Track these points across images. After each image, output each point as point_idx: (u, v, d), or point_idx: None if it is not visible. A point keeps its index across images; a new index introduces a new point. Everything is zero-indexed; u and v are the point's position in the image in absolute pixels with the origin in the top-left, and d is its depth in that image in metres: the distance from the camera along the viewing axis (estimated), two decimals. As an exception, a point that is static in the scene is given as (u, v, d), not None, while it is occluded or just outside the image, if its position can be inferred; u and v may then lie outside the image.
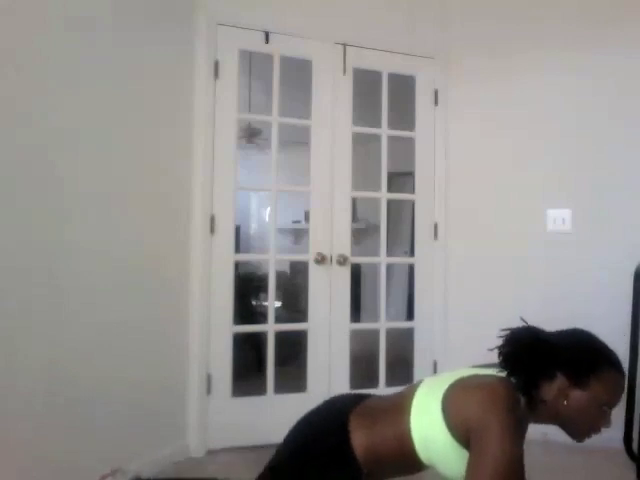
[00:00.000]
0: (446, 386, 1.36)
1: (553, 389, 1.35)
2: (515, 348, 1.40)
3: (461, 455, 1.29)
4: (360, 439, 1.40)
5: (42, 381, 1.86)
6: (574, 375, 1.34)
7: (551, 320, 2.93)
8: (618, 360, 1.38)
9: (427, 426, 1.34)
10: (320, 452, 1.42)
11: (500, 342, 1.42)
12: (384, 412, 1.44)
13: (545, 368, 1.37)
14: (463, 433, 1.27)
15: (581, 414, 1.33)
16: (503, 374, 1.38)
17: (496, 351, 1.41)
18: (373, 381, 2.95)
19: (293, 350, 3.11)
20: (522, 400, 1.32)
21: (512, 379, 1.36)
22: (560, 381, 1.35)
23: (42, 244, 1.86)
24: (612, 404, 1.32)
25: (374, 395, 1.59)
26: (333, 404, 1.59)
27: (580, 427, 1.34)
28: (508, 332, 1.45)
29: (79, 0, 2.02)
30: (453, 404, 1.32)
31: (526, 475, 1.24)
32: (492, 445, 1.19)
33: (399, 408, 1.41)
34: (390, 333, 3.02)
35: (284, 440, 1.53)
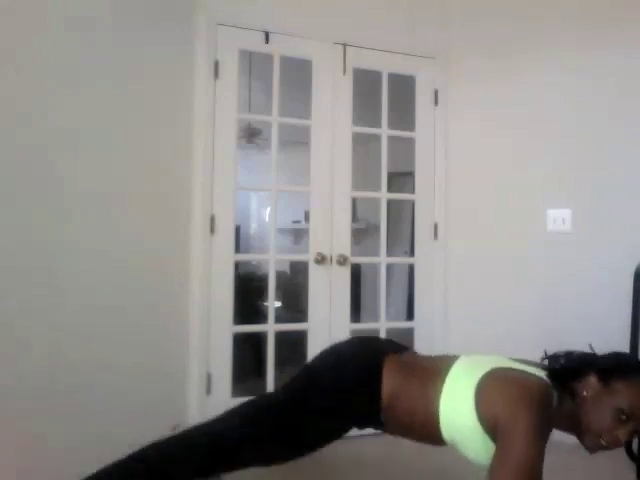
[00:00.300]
0: (481, 373, 1.36)
1: (582, 385, 1.35)
2: (566, 360, 1.42)
3: (484, 442, 1.30)
4: (389, 387, 1.41)
5: (42, 383, 1.86)
6: (604, 375, 1.34)
7: (551, 320, 2.95)
8: None
9: (456, 408, 1.34)
10: (352, 379, 1.44)
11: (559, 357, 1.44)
12: (418, 374, 1.45)
13: (581, 370, 1.38)
14: (492, 424, 1.27)
15: (597, 411, 1.30)
16: (541, 373, 1.37)
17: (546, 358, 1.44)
18: (373, 381, 2.94)
19: (293, 350, 3.11)
20: (555, 402, 1.32)
21: (549, 380, 1.36)
22: (590, 379, 1.35)
23: (42, 244, 1.86)
24: (631, 414, 1.27)
25: (410, 349, 1.62)
26: (375, 342, 1.64)
27: (593, 427, 1.30)
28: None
29: (79, 0, 2.02)
30: (487, 395, 1.31)
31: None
32: (521, 444, 1.20)
33: (433, 376, 1.41)
34: (390, 333, 3.01)
35: (322, 355, 1.59)
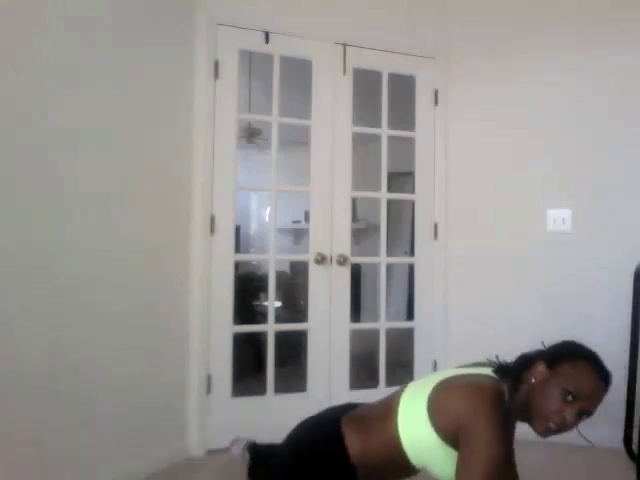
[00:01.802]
0: (430, 388, 1.38)
1: (530, 374, 1.38)
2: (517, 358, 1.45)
3: (450, 455, 1.30)
4: (354, 446, 1.41)
5: (42, 383, 1.86)
6: (551, 361, 1.37)
7: (551, 320, 2.95)
8: (599, 363, 1.37)
9: (414, 430, 1.35)
10: (317, 458, 1.44)
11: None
12: (373, 419, 1.46)
13: (529, 362, 1.41)
14: (451, 433, 1.28)
15: (545, 394, 1.32)
16: (489, 371, 1.39)
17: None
18: (373, 381, 2.95)
19: (293, 350, 3.11)
20: (506, 396, 1.33)
21: (498, 376, 1.38)
22: (538, 366, 1.38)
23: (42, 244, 1.86)
24: (577, 394, 1.30)
25: (364, 403, 1.60)
26: (327, 412, 1.60)
27: (542, 410, 1.32)
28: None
29: (79, 0, 2.02)
30: (439, 405, 1.33)
31: (519, 472, 1.24)
32: (481, 443, 1.21)
33: (386, 414, 1.43)
34: (390, 333, 3.02)
35: (282, 445, 1.55)
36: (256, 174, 4.62)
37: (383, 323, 3.00)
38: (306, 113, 2.84)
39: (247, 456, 1.58)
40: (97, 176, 2.09)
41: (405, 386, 1.50)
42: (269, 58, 2.78)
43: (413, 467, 1.40)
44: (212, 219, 2.63)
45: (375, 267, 3.32)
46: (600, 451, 2.49)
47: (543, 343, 1.48)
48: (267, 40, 2.74)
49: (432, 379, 1.42)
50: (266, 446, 1.62)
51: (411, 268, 3.23)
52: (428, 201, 3.04)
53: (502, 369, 1.41)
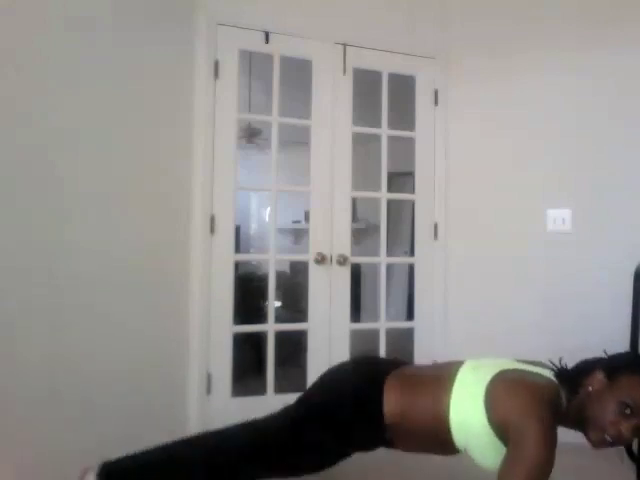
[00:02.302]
0: (489, 377, 1.36)
1: (588, 381, 1.36)
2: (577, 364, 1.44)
3: (496, 445, 1.30)
4: (392, 404, 1.40)
5: (42, 383, 1.86)
6: (611, 371, 1.35)
7: (551, 320, 2.95)
8: None
9: (467, 413, 1.34)
10: (351, 405, 1.43)
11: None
12: (423, 384, 1.44)
13: (589, 367, 1.39)
14: (503, 426, 1.27)
15: (602, 405, 1.30)
16: (548, 373, 1.38)
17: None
18: (373, 381, 2.94)
19: (293, 350, 3.11)
20: (564, 401, 1.33)
21: (557, 379, 1.37)
22: (597, 374, 1.36)
23: (42, 244, 1.86)
24: (636, 409, 1.27)
25: (411, 364, 1.60)
26: (374, 365, 1.60)
27: (598, 421, 1.30)
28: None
29: (79, 0, 2.02)
30: (497, 398, 1.31)
31: None
32: (532, 445, 1.20)
33: (439, 385, 1.41)
34: (390, 333, 3.02)
35: (320, 380, 1.57)
36: (256, 174, 4.62)
37: (383, 323, 3.00)
38: (306, 113, 2.84)
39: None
40: (97, 176, 2.08)
41: (462, 362, 1.48)
42: (269, 58, 2.78)
43: (454, 448, 1.39)
44: (212, 219, 2.63)
45: (375, 267, 3.33)
46: (600, 451, 2.50)
47: (605, 352, 1.46)
48: (267, 40, 2.74)
49: (492, 365, 1.41)
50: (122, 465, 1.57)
51: (411, 268, 3.24)
52: (428, 201, 3.04)
53: (562, 373, 1.40)
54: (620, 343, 2.42)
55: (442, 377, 1.43)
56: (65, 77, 1.95)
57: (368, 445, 1.49)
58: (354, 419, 1.42)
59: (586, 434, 1.34)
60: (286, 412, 1.53)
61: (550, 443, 1.21)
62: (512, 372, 1.38)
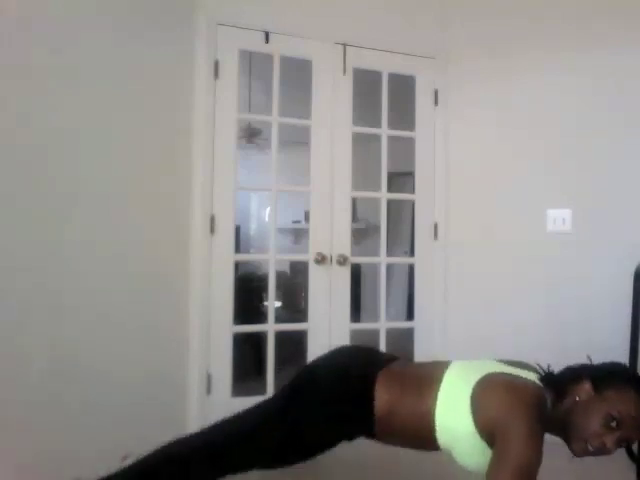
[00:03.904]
0: (476, 379, 1.36)
1: (575, 390, 1.36)
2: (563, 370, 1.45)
3: (480, 448, 1.30)
4: (382, 399, 1.41)
5: (42, 383, 1.86)
6: (598, 382, 1.35)
7: (551, 320, 2.95)
8: None
9: (453, 416, 1.34)
10: (343, 397, 1.44)
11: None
12: (411, 383, 1.45)
13: (576, 376, 1.39)
14: (489, 429, 1.28)
15: (588, 416, 1.30)
16: (534, 377, 1.38)
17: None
18: (373, 381, 2.94)
19: (293, 350, 3.11)
20: (549, 407, 1.33)
21: (542, 384, 1.37)
22: (584, 384, 1.36)
23: (42, 244, 1.86)
24: (621, 422, 1.28)
25: (402, 359, 1.60)
26: (371, 355, 1.61)
27: (582, 432, 1.31)
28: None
29: (79, 0, 2.02)
30: (483, 400, 1.32)
31: None
32: (518, 447, 1.21)
33: (426, 385, 1.42)
34: (390, 333, 3.02)
35: (313, 367, 1.60)
36: (256, 174, 4.62)
37: (383, 323, 3.00)
38: (306, 113, 2.84)
39: None
40: (97, 176, 2.09)
41: (449, 363, 1.49)
42: (269, 58, 2.78)
43: (435, 445, 1.39)
44: (212, 219, 2.63)
45: (375, 267, 3.33)
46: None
47: (589, 357, 1.46)
48: (267, 40, 2.74)
49: (478, 368, 1.41)
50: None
51: (411, 268, 3.23)
52: (428, 201, 3.04)
53: (548, 378, 1.40)
54: (620, 343, 2.43)
55: (429, 378, 1.44)
56: (65, 77, 1.95)
57: (354, 435, 1.50)
58: (347, 410, 1.43)
59: (568, 442, 1.35)
60: (288, 388, 1.55)
61: (536, 444, 1.22)
62: (498, 375, 1.38)
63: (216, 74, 2.65)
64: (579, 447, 1.32)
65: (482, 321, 2.93)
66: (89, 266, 2.04)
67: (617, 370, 1.41)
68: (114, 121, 2.16)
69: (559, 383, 1.39)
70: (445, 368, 1.45)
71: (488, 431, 1.28)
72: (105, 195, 2.12)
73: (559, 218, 2.82)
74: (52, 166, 1.91)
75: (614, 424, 1.28)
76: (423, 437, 1.39)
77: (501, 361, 1.48)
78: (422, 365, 1.57)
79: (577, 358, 1.50)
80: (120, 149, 2.19)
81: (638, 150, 2.72)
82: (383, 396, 1.41)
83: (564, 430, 1.34)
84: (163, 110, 2.42)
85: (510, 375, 1.38)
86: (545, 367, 1.44)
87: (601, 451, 1.30)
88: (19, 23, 1.78)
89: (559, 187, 2.85)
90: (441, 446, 1.38)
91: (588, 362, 1.46)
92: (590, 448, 1.30)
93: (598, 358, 1.49)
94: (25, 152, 1.80)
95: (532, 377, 1.40)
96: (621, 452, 2.45)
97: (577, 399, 1.34)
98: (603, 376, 1.37)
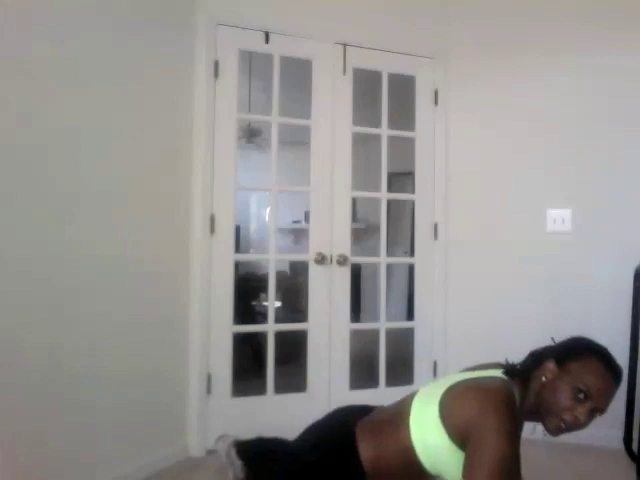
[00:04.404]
0: (441, 392, 1.38)
1: (540, 372, 1.39)
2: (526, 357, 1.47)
3: (462, 459, 1.29)
4: (367, 452, 1.42)
5: (42, 383, 1.86)
6: (561, 359, 1.37)
7: (551, 320, 2.95)
8: (610, 359, 1.38)
9: (427, 435, 1.35)
10: (328, 464, 1.44)
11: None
12: (386, 425, 1.46)
13: (539, 359, 1.42)
14: (463, 435, 1.28)
15: (556, 393, 1.33)
16: (498, 373, 1.39)
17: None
18: (373, 381, 2.95)
19: (293, 350, 3.11)
20: (517, 397, 1.34)
21: (508, 378, 1.38)
22: (548, 364, 1.38)
23: (42, 244, 1.86)
24: (589, 393, 1.30)
25: (378, 407, 1.60)
26: (340, 416, 1.61)
27: (553, 409, 1.33)
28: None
29: (79, 0, 2.02)
30: (450, 408, 1.33)
31: (522, 473, 1.24)
32: (490, 443, 1.20)
33: (398, 421, 1.43)
34: (390, 333, 3.02)
35: (292, 446, 1.56)
36: (256, 174, 4.58)
37: (383, 323, 3.00)
38: (306, 113, 2.84)
39: (233, 453, 1.58)
40: (97, 176, 2.09)
41: (415, 392, 1.51)
42: (269, 58, 2.77)
43: (427, 474, 1.39)
44: (212, 219, 2.63)
45: (375, 267, 3.32)
46: (600, 451, 2.50)
47: (553, 339, 1.49)
48: (267, 40, 2.74)
49: (442, 384, 1.42)
50: (256, 443, 1.61)
51: (411, 268, 3.23)
52: (428, 201, 3.04)
53: (512, 370, 1.41)
54: (620, 342, 2.43)
55: (400, 413, 1.45)
56: (65, 77, 1.95)
57: None
58: (336, 473, 1.43)
59: (543, 423, 1.37)
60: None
61: (509, 435, 1.22)
62: (460, 383, 1.39)
63: (216, 74, 2.65)
64: (553, 424, 1.34)
65: (482, 321, 2.93)
66: (89, 266, 2.04)
67: (578, 344, 1.43)
68: (114, 121, 2.16)
69: (524, 371, 1.41)
70: (412, 398, 1.47)
71: (463, 437, 1.28)
72: (105, 195, 2.12)
73: (559, 218, 2.83)
74: (52, 166, 1.91)
75: (582, 396, 1.30)
76: (413, 470, 1.39)
77: (466, 369, 1.51)
78: (392, 405, 1.57)
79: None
80: (120, 149, 2.19)
81: (638, 150, 2.72)
82: (367, 451, 1.42)
83: (538, 413, 1.36)
84: (163, 110, 2.42)
85: (472, 379, 1.40)
86: (505, 361, 1.47)
87: (575, 425, 1.32)
88: (18, 21, 1.78)
89: (559, 187, 2.85)
90: (431, 471, 1.38)
91: (552, 344, 1.48)
92: (563, 425, 1.32)
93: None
94: (25, 152, 1.80)
95: (497, 373, 1.41)
96: (621, 452, 2.46)
97: (544, 380, 1.36)
98: (565, 351, 1.39)
